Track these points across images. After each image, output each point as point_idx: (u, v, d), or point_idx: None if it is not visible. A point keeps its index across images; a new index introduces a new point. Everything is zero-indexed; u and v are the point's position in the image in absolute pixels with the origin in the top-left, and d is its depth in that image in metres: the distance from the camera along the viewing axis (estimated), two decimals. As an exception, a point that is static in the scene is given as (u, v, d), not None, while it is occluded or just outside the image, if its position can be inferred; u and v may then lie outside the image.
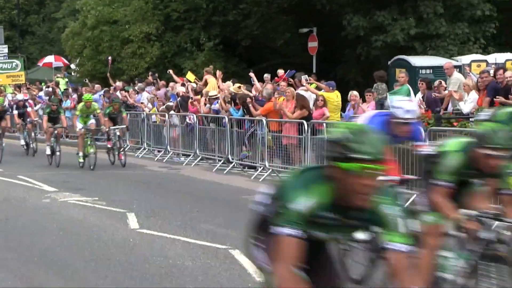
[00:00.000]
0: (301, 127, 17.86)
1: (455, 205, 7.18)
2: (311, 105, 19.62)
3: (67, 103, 30.89)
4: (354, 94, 20.20)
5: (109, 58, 34.39)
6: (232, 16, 35.87)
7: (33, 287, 8.69)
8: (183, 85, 25.84)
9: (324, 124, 17.82)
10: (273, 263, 4.86)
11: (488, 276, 7.17)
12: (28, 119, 25.69)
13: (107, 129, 21.82)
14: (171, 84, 27.02)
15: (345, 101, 20.62)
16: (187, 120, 23.26)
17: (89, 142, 21.24)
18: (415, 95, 19.20)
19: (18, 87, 36.68)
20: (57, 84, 35.23)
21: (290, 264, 4.72)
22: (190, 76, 26.63)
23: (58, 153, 21.99)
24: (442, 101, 18.19)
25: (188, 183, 18.33)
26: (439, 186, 7.14)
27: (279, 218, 4.72)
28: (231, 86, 22.75)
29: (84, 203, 14.75)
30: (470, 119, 15.60)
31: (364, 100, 20.19)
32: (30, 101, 29.17)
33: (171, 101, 25.41)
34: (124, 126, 22.57)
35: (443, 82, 19.18)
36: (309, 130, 17.49)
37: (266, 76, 24.10)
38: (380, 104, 19.18)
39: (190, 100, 23.94)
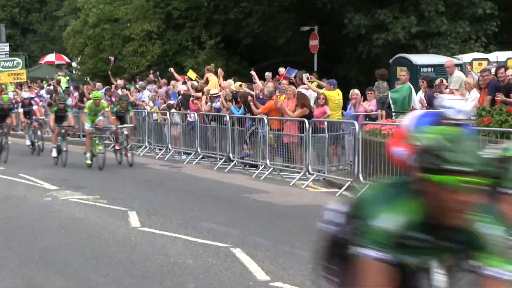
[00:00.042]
0: (302, 125, 17.86)
1: None
2: (312, 103, 19.63)
3: (68, 101, 30.86)
4: (355, 92, 20.21)
5: (112, 58, 34.41)
6: (234, 15, 35.87)
7: (34, 286, 8.69)
8: (184, 83, 25.86)
9: (325, 123, 17.82)
10: None
11: None
12: (34, 117, 25.30)
13: (114, 128, 21.35)
14: (172, 82, 27.03)
15: (346, 99, 20.64)
16: (188, 118, 23.27)
17: (97, 141, 20.83)
18: (416, 94, 19.22)
19: (19, 85, 36.70)
20: (59, 82, 35.27)
21: None
22: (191, 74, 26.63)
23: (64, 152, 21.54)
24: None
25: (189, 182, 18.33)
26: (509, 195, 6.22)
27: (361, 238, 3.98)
28: (232, 85, 22.75)
29: (85, 202, 14.76)
30: (472, 118, 15.57)
31: (365, 99, 20.21)
32: (36, 99, 29.07)
33: (171, 100, 25.40)
34: (132, 125, 22.04)
35: (444, 81, 19.18)
36: (310, 129, 17.48)
37: (268, 74, 24.12)
38: (381, 103, 19.18)
39: (191, 99, 23.96)
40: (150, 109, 26.56)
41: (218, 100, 22.54)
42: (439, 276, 4.29)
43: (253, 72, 23.87)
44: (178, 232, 11.47)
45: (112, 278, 8.81)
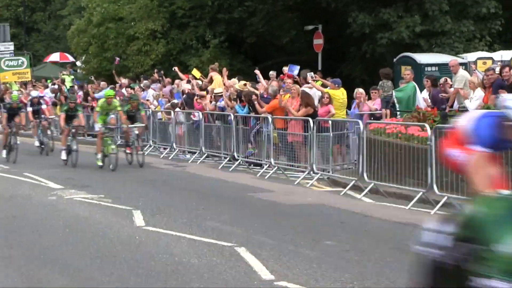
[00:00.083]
0: (306, 124, 17.85)
1: None
2: (316, 103, 19.63)
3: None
4: (359, 91, 20.21)
5: (117, 58, 34.45)
6: (238, 14, 35.89)
7: (38, 285, 8.69)
8: (188, 82, 25.86)
9: (330, 122, 17.82)
10: None
11: None
12: (43, 116, 24.90)
13: (126, 128, 20.96)
14: (177, 81, 27.04)
15: (350, 98, 20.64)
16: (193, 117, 23.26)
17: (109, 142, 20.30)
18: (420, 93, 19.22)
19: (24, 84, 36.75)
20: (63, 81, 35.29)
21: None
22: (195, 72, 26.65)
23: (75, 153, 20.89)
24: (448, 98, 18.18)
25: (194, 181, 18.34)
26: None
27: (484, 267, 3.28)
28: (236, 84, 22.75)
29: (90, 201, 14.77)
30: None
31: (369, 98, 20.20)
32: (46, 98, 28.88)
33: (175, 100, 25.39)
34: (143, 125, 21.56)
35: (448, 80, 19.17)
36: (315, 128, 17.48)
37: (272, 73, 24.14)
38: (386, 102, 19.18)
39: (195, 98, 23.96)
40: (155, 108, 26.57)
41: (222, 99, 22.55)
42: None
43: (257, 71, 23.88)
44: (183, 231, 11.47)
45: (116, 277, 8.82)
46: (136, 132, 21.11)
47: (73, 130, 21.38)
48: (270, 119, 19.16)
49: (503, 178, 6.86)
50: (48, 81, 38.34)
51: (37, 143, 25.02)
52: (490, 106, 14.82)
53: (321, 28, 33.11)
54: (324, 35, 32.94)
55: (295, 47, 36.55)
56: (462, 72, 18.76)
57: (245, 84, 22.14)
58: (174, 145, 24.14)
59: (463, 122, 7.00)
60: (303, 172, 17.88)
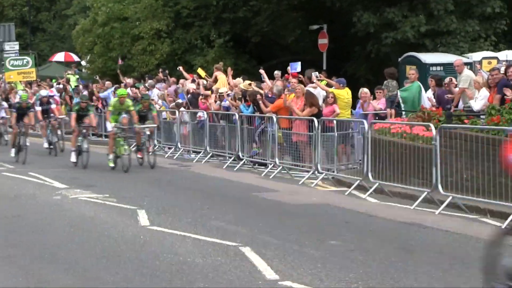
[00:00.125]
0: (311, 124, 17.84)
1: None
2: (320, 102, 19.62)
3: (75, 100, 30.91)
4: (364, 91, 20.20)
5: (120, 59, 34.51)
6: (242, 13, 35.91)
7: (43, 284, 8.70)
8: (193, 81, 25.87)
9: (335, 121, 17.81)
10: None
11: None
12: (52, 116, 24.61)
13: (138, 128, 20.61)
14: (181, 81, 27.05)
15: (355, 98, 20.62)
16: (197, 117, 23.26)
17: (121, 142, 19.73)
18: (425, 92, 19.19)
19: (28, 84, 36.79)
20: (68, 81, 35.33)
21: None
22: (200, 71, 26.66)
23: (85, 153, 20.47)
24: (453, 98, 18.16)
25: (199, 180, 18.35)
26: None
27: None
28: (241, 83, 22.75)
29: (95, 200, 14.78)
30: (481, 116, 15.56)
31: (374, 97, 20.19)
32: (56, 97, 28.68)
33: (179, 100, 25.38)
34: (155, 125, 21.32)
35: (453, 79, 19.15)
36: (320, 127, 17.47)
37: (276, 73, 24.14)
38: (391, 101, 19.16)
39: (200, 97, 23.97)
40: (159, 108, 26.57)
41: (227, 99, 22.56)
42: None
43: (262, 71, 23.87)
44: (187, 230, 11.47)
45: (121, 277, 8.83)
46: (148, 132, 20.95)
47: (84, 131, 21.00)
48: (274, 119, 19.15)
49: None
50: (53, 80, 38.37)
51: (45, 145, 24.60)
52: (495, 105, 14.81)
53: (326, 28, 33.12)
54: (328, 35, 32.93)
55: (299, 46, 36.56)
56: (467, 71, 18.74)
57: (250, 84, 22.14)
58: (179, 145, 24.14)
59: None
60: (308, 172, 17.87)
